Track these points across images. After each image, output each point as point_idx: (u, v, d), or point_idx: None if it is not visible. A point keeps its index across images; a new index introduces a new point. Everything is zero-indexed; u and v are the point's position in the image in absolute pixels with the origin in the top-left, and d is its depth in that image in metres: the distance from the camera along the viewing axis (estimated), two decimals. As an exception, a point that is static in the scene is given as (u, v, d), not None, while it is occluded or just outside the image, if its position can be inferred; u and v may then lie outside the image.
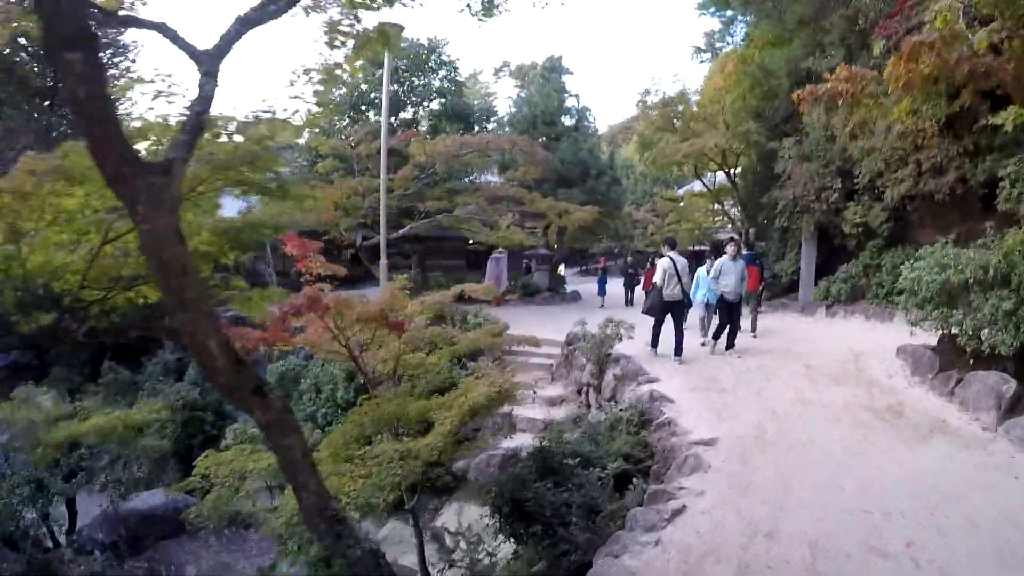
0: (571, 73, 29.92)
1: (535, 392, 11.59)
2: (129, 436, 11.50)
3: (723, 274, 11.92)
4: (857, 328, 14.56)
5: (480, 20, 5.95)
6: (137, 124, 5.13)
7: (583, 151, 26.38)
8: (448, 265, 30.08)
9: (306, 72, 5.60)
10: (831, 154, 17.14)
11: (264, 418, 4.89)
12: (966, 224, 13.73)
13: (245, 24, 4.44)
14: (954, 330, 8.90)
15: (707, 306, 13.19)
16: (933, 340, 9.86)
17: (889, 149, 14.83)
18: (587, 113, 29.62)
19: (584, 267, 51.82)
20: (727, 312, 12.08)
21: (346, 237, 20.03)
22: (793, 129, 18.91)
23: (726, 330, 12.19)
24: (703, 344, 12.86)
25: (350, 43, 5.04)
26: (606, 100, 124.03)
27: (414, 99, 26.61)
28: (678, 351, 11.74)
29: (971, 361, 8.77)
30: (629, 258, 27.55)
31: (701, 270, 13.37)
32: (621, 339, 11.78)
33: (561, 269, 44.88)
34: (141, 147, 4.86)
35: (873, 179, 15.63)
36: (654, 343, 12.29)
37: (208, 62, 4.20)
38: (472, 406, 7.83)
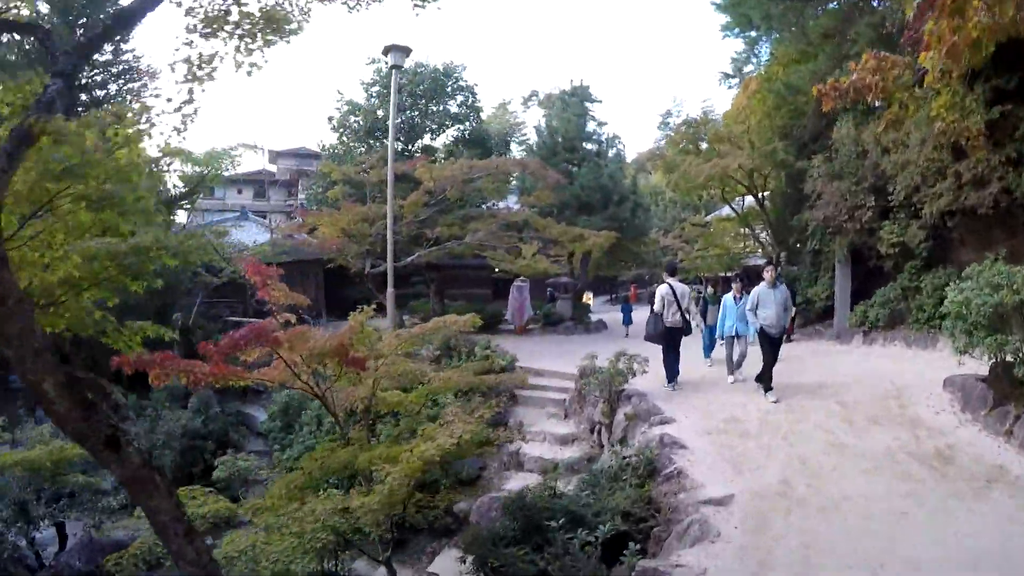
0: (597, 101, 29.14)
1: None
2: (58, 470, 11.15)
3: (761, 305, 10.24)
4: (897, 357, 13.30)
5: (417, 5, 5.10)
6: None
7: (604, 177, 25.50)
8: (474, 294, 29.37)
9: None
10: (863, 171, 16.04)
11: (121, 474, 4.11)
12: (1012, 241, 12.61)
13: (119, 21, 3.66)
14: (1009, 358, 7.84)
15: (735, 338, 11.76)
16: (984, 370, 8.73)
17: (925, 161, 13.71)
18: (610, 139, 28.83)
19: (614, 295, 50.75)
20: (769, 347, 10.36)
21: (352, 264, 19.31)
22: (822, 147, 17.82)
23: (769, 369, 10.60)
24: (732, 382, 11.66)
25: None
26: (636, 127, 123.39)
27: (431, 125, 26.07)
28: (671, 377, 11.62)
29: (1031, 395, 7.66)
30: (654, 287, 26.34)
31: (728, 297, 12.23)
32: (635, 374, 10.72)
33: (588, 297, 43.81)
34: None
35: (909, 195, 14.48)
36: (670, 376, 11.62)
37: (64, 61, 3.43)
38: (423, 461, 6.78)
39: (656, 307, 11.39)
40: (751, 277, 16.31)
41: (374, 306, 9.83)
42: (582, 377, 11.74)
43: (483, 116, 27.21)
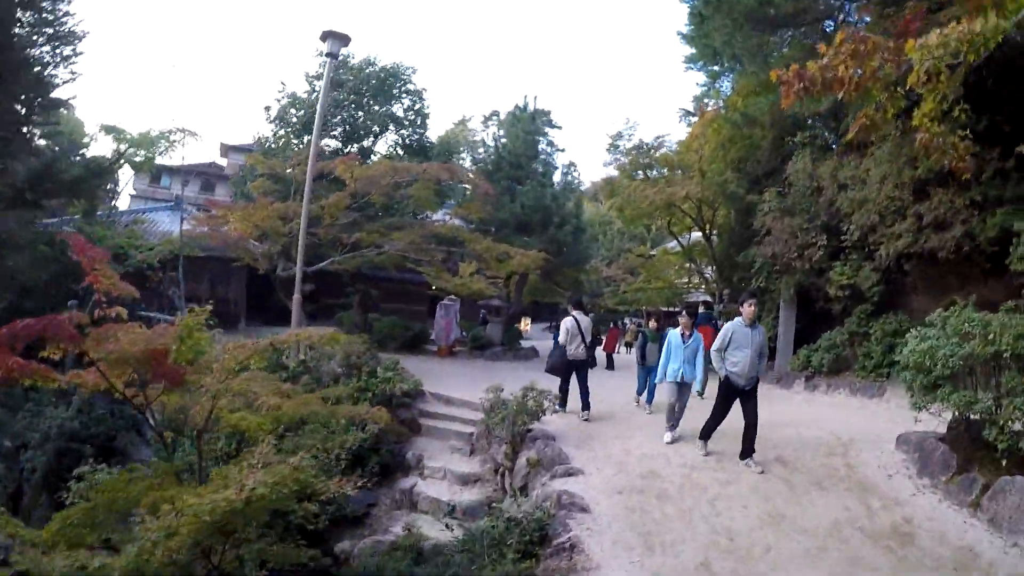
0: (551, 123, 27.89)
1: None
2: None
3: (734, 346, 7.98)
4: (842, 405, 12.17)
5: None
6: None
7: (547, 197, 24.10)
8: (409, 310, 28.18)
9: None
10: (817, 207, 15.08)
11: None
12: (966, 288, 11.61)
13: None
14: (974, 416, 6.81)
15: (679, 385, 9.46)
16: (942, 428, 7.64)
17: (885, 200, 12.80)
18: (566, 166, 27.71)
19: (554, 323, 49.46)
20: (729, 399, 8.24)
21: (260, 264, 17.48)
22: (775, 183, 16.79)
23: (716, 424, 8.64)
24: (669, 442, 9.29)
25: None
26: (593, 158, 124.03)
27: (373, 127, 24.43)
28: (585, 406, 11.18)
29: (1003, 461, 6.40)
30: (591, 315, 25.06)
31: (674, 333, 9.82)
32: (544, 412, 9.25)
33: (525, 324, 42.40)
34: None
35: (864, 235, 13.55)
36: (562, 403, 11.30)
37: None
38: (194, 525, 4.95)
39: (560, 339, 11.46)
40: (693, 314, 15.10)
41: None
42: (487, 413, 10.16)
43: (429, 123, 25.65)
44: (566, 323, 11.40)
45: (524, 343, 26.68)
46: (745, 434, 8.02)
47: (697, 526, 6.14)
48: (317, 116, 15.78)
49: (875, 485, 7.16)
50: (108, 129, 25.34)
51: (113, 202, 23.03)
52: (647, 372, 12.09)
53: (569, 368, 11.24)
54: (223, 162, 48.30)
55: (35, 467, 13.03)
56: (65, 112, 25.22)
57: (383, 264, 19.15)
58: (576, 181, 32.07)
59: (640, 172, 20.83)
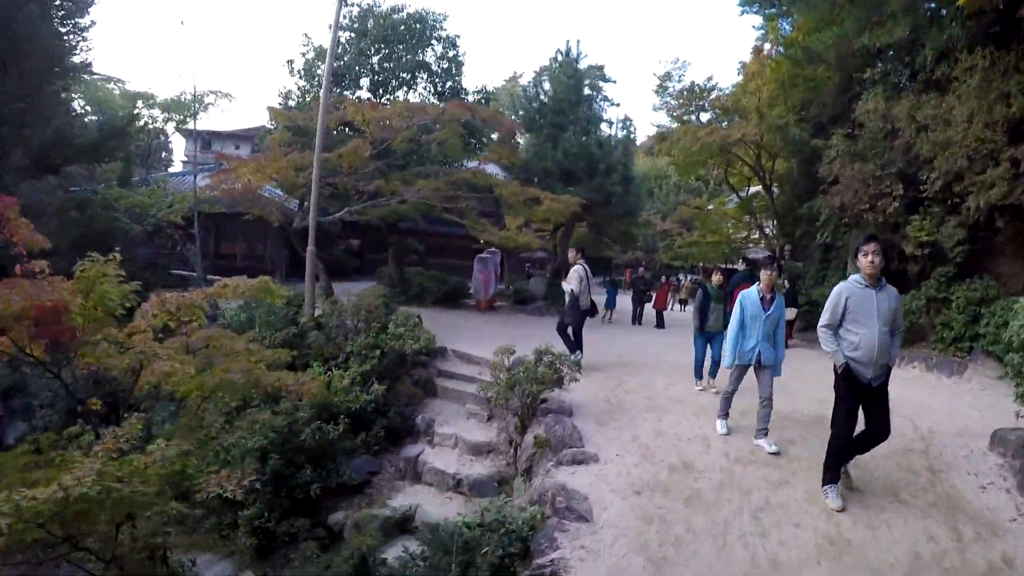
0: (601, 71, 26.39)
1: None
2: None
3: (851, 317, 5.40)
4: (918, 383, 10.49)
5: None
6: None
7: (592, 144, 22.32)
8: (455, 264, 27.25)
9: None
10: (891, 153, 13.13)
11: None
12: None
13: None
14: None
15: (758, 368, 6.91)
16: None
17: (973, 142, 10.88)
18: (602, 105, 25.55)
19: (608, 277, 47.94)
20: (854, 402, 5.44)
21: (274, 217, 16.31)
22: (843, 128, 14.82)
23: (845, 451, 6.02)
24: (724, 433, 7.36)
25: None
26: (648, 114, 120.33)
27: (404, 76, 22.93)
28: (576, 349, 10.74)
29: None
30: (640, 269, 23.57)
31: (748, 295, 6.97)
32: (562, 382, 7.88)
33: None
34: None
35: (948, 184, 11.61)
36: (578, 347, 10.86)
37: None
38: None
39: (575, 287, 10.78)
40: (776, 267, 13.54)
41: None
42: (493, 380, 8.81)
43: (464, 71, 23.81)
44: (578, 271, 10.88)
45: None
46: (859, 447, 5.61)
47: (733, 552, 4.69)
48: (328, 59, 14.36)
49: (966, 502, 5.60)
50: (137, 95, 25.18)
51: (168, 169, 22.47)
52: (707, 340, 9.60)
53: (583, 318, 11.07)
54: (272, 126, 48.18)
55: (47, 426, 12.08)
56: (111, 86, 25.51)
57: (407, 214, 17.80)
58: (632, 135, 31.86)
59: (692, 117, 18.95)
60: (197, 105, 25.96)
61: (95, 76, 23.42)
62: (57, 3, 17.25)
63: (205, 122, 23.52)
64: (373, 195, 15.28)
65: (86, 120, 22.10)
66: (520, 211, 18.04)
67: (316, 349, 12.10)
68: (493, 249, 21.79)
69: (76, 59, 18.33)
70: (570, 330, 11.01)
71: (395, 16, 22.43)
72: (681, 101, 18.62)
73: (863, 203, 12.98)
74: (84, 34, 18.55)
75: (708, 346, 9.63)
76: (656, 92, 19.82)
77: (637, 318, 20.62)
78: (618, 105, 42.21)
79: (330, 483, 9.30)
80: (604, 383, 9.80)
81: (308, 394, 7.09)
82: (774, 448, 6.61)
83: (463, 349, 12.86)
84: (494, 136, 21.27)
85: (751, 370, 6.89)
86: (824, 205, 14.37)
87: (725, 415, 7.42)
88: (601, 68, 27.35)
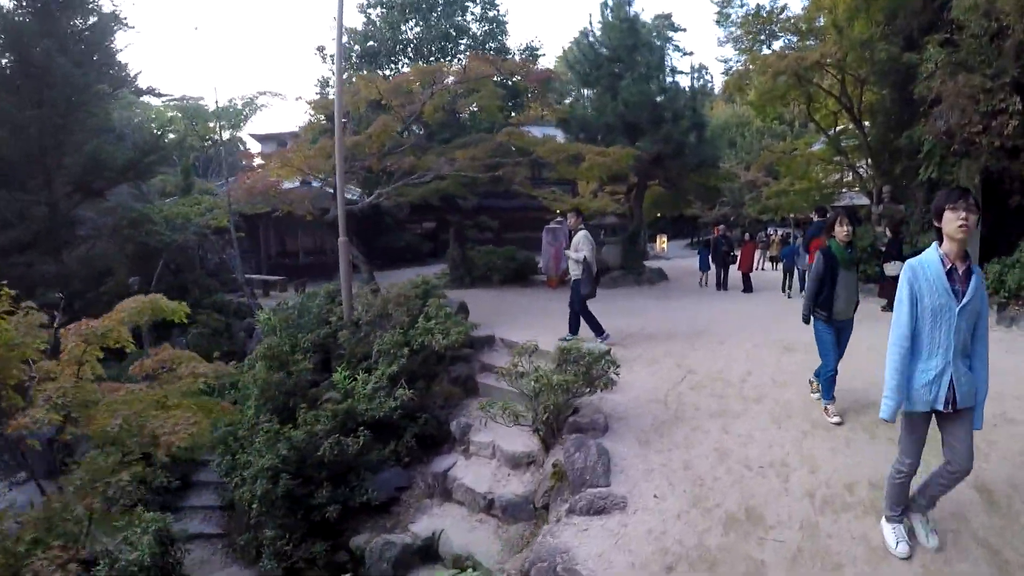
0: (669, 19, 24.58)
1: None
2: None
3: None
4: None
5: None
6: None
7: (654, 90, 20.12)
8: (531, 237, 25.22)
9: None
10: (1002, 59, 10.81)
11: None
12: None
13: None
14: None
15: (948, 419, 3.88)
16: None
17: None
18: (666, 49, 23.17)
19: (697, 237, 45.28)
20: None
21: (298, 210, 14.98)
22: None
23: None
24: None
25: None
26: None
27: (444, 45, 21.39)
28: (574, 330, 10.18)
29: None
30: (721, 227, 21.11)
31: (918, 266, 3.75)
32: (594, 388, 6.28)
33: (662, 242, 38.45)
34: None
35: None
36: (593, 328, 10.17)
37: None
38: None
39: (588, 253, 9.90)
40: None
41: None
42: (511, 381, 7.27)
43: (507, 28, 22.17)
44: (587, 236, 10.10)
45: (658, 263, 23.83)
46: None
47: None
48: (336, 32, 12.79)
49: None
50: (176, 106, 25.05)
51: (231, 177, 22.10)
52: (837, 333, 6.28)
53: (595, 289, 10.44)
54: (313, 118, 48.47)
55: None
56: (153, 100, 25.92)
57: (453, 191, 16.32)
58: (708, 84, 30.78)
59: (762, 48, 16.62)
60: (248, 110, 25.36)
61: (141, 92, 23.76)
62: (76, 32, 17.80)
63: (262, 124, 23.22)
64: (407, 173, 13.84)
65: (126, 139, 22.10)
66: (563, 171, 16.16)
67: (349, 349, 10.96)
68: (560, 219, 20.10)
69: (108, 83, 19.04)
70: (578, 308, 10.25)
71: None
72: (747, 29, 16.31)
73: (973, 125, 10.76)
74: (117, 56, 20.05)
75: (838, 341, 6.29)
76: (718, 22, 17.51)
77: (722, 283, 18.46)
78: (691, 54, 40.04)
79: (353, 501, 8.22)
80: (667, 375, 8.15)
81: (180, 441, 5.71)
82: (934, 541, 4.01)
83: (513, 337, 11.33)
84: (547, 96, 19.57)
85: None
86: (926, 132, 12.14)
87: (900, 514, 4.11)
88: (668, 16, 26.14)
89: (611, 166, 15.00)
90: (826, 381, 6.19)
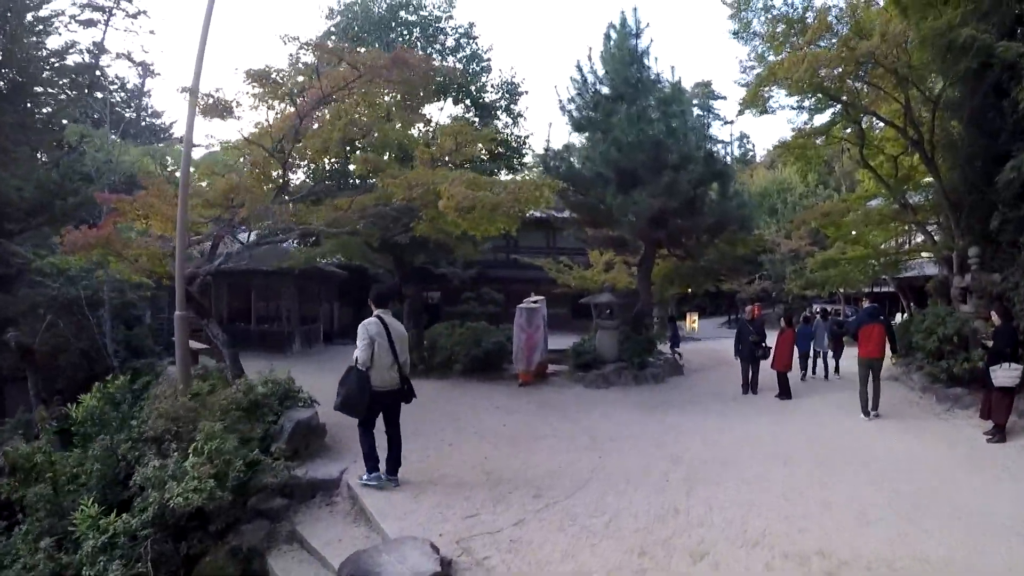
0: (709, 87, 21.02)
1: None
2: None
3: None
4: None
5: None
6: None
7: (658, 128, 15.19)
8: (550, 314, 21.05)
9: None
10: None
11: None
12: None
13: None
14: None
15: None
16: None
17: None
18: (677, 84, 17.92)
19: (733, 315, 40.32)
20: None
21: (151, 270, 10.65)
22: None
23: None
24: None
25: None
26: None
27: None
28: (394, 467, 6.92)
29: None
30: (747, 308, 15.88)
31: None
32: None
33: (692, 320, 33.24)
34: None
35: None
36: (371, 467, 6.81)
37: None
38: None
39: (360, 354, 6.52)
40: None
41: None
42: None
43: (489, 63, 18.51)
44: (369, 328, 6.67)
45: (689, 345, 20.05)
46: None
47: None
48: (198, 51, 8.89)
49: None
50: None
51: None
52: None
53: (375, 405, 6.70)
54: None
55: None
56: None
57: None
58: (751, 153, 28.73)
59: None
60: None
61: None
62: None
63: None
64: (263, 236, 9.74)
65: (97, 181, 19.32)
66: (459, 223, 10.75)
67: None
68: (538, 297, 15.57)
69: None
70: (364, 428, 6.81)
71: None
72: (767, 30, 11.95)
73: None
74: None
75: None
76: (736, 33, 13.09)
77: (751, 385, 13.37)
78: (731, 123, 37.10)
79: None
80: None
81: None
82: None
83: (366, 501, 6.71)
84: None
85: None
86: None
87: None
88: (708, 84, 22.29)
89: (528, 200, 10.08)
90: None
